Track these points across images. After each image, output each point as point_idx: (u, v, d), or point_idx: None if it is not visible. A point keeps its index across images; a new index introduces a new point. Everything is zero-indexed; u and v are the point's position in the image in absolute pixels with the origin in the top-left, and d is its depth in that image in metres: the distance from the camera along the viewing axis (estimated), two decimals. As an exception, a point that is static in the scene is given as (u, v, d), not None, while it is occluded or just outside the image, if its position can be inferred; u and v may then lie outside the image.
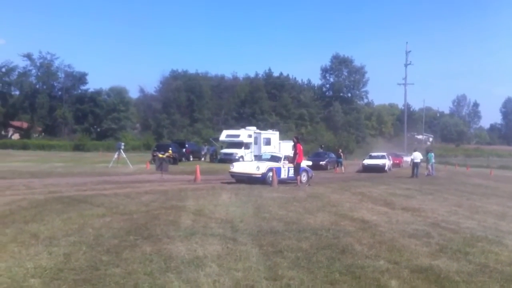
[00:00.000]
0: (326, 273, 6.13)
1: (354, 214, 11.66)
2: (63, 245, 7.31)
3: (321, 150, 43.98)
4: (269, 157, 23.20)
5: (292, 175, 21.17)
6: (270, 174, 20.11)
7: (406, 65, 68.40)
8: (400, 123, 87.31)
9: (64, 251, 6.90)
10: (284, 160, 21.97)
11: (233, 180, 21.23)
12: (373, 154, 41.57)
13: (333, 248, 7.56)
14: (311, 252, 7.28)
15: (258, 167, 20.55)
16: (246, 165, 22.94)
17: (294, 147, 20.98)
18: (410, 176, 30.64)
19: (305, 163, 23.52)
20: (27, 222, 9.24)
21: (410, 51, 68.47)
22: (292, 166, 21.03)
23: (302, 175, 21.37)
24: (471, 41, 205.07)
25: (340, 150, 40.23)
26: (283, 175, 21.33)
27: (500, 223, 11.14)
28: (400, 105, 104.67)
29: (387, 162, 38.07)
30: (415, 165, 31.58)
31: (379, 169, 36.39)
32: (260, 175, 20.22)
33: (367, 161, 37.97)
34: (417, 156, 32.23)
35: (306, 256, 7.02)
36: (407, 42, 69.17)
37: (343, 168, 36.03)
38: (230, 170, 21.75)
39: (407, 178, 29.10)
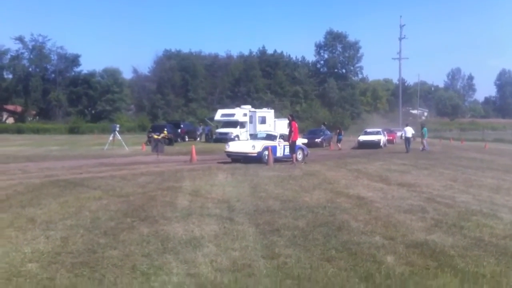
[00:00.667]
0: (323, 250, 6.18)
1: (350, 191, 11.72)
2: (60, 228, 7.34)
3: (323, 127, 43.85)
4: (264, 135, 23.20)
5: (288, 153, 21.18)
6: (266, 152, 20.14)
7: (400, 39, 68.32)
8: (395, 98, 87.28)
9: (61, 235, 6.92)
10: (279, 138, 21.96)
11: (229, 160, 21.26)
12: (368, 130, 41.55)
13: (329, 225, 7.61)
14: (307, 230, 7.33)
15: (253, 146, 20.58)
16: (241, 144, 23.00)
17: (289, 125, 20.93)
18: (406, 152, 30.62)
19: (301, 141, 23.55)
20: (23, 206, 9.25)
21: (404, 25, 68.42)
22: (288, 144, 21.04)
23: (298, 153, 21.42)
24: (465, 13, 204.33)
25: (340, 128, 40.39)
26: (279, 153, 21.36)
27: (495, 197, 11.21)
28: (395, 80, 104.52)
29: (382, 138, 38.11)
30: (407, 139, 32.05)
31: (375, 145, 36.44)
32: (255, 154, 20.24)
33: (362, 137, 37.98)
34: (408, 130, 32.65)
35: (303, 234, 7.06)
36: (401, 16, 69.09)
37: (339, 145, 36.01)
38: (226, 150, 21.76)
39: (403, 153, 29.14)
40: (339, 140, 36.53)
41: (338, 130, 38.53)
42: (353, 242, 6.61)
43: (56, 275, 5.18)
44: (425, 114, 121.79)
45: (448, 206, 9.58)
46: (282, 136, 22.17)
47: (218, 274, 5.22)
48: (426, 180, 14.21)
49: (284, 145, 21.55)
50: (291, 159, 20.31)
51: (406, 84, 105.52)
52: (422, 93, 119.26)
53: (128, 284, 4.96)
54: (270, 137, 22.56)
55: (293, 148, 20.48)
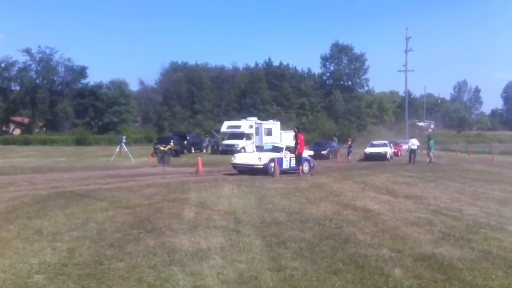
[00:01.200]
0: (330, 263, 6.15)
1: (357, 203, 11.68)
2: (66, 240, 7.34)
3: (335, 139, 43.69)
4: (270, 147, 23.25)
5: (294, 165, 21.18)
6: (272, 164, 20.14)
7: (406, 52, 68.44)
8: (401, 110, 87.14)
9: (68, 246, 6.93)
10: (285, 150, 21.99)
11: (235, 172, 21.27)
12: (375, 142, 41.52)
13: (336, 238, 7.57)
14: (314, 242, 7.30)
15: (259, 158, 20.61)
16: (248, 156, 23.00)
17: (295, 137, 20.91)
18: (408, 162, 31.56)
19: (307, 153, 23.56)
20: (30, 218, 9.27)
21: (410, 37, 68.58)
22: (294, 156, 21.04)
23: (304, 165, 21.43)
24: (471, 26, 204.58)
25: (350, 139, 40.34)
26: (285, 165, 21.38)
27: (503, 209, 11.13)
28: (401, 92, 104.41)
29: (388, 150, 38.06)
30: (412, 151, 32.37)
31: (381, 157, 36.40)
32: (262, 166, 20.27)
33: (369, 150, 37.97)
34: (414, 142, 32.92)
35: (309, 246, 7.03)
36: (407, 28, 69.17)
37: (349, 157, 35.90)
38: (232, 162, 21.78)
39: (410, 166, 29.12)
40: (349, 153, 36.48)
41: (349, 143, 38.54)
42: (360, 254, 6.57)
43: (63, 287, 5.19)
44: (432, 126, 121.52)
45: (455, 219, 9.53)
46: (288, 148, 22.18)
47: (224, 286, 5.21)
48: (433, 193, 14.13)
49: (290, 157, 21.57)
50: (297, 171, 20.29)
51: (412, 96, 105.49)
52: (429, 106, 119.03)
53: (134, 296, 4.95)
54: (276, 149, 22.59)
55: (299, 160, 20.47)
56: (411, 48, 68.77)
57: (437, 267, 6.00)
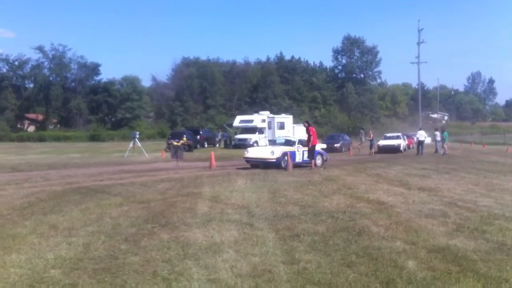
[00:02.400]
0: (343, 255, 6.14)
1: (370, 195, 11.64)
2: (82, 235, 7.41)
3: (362, 132, 43.43)
4: (283, 141, 23.20)
5: (307, 159, 21.19)
6: (285, 158, 20.14)
7: (418, 43, 67.61)
8: (415, 102, 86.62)
9: (83, 241, 6.99)
10: (298, 144, 21.96)
11: (248, 166, 21.29)
12: (388, 134, 41.38)
13: (350, 231, 7.56)
14: (327, 235, 7.30)
15: (272, 152, 20.58)
16: (260, 150, 23.02)
17: (307, 131, 20.85)
18: (416, 153, 32.89)
19: (320, 146, 23.53)
20: (46, 213, 9.37)
21: (422, 29, 67.62)
22: (307, 149, 21.02)
23: (317, 158, 21.40)
24: (485, 16, 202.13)
25: (371, 132, 40.34)
26: (298, 159, 21.37)
27: (518, 200, 11.03)
28: (414, 84, 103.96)
29: (402, 143, 37.89)
30: (420, 143, 33.98)
31: (395, 149, 36.26)
32: (274, 160, 20.23)
33: (382, 142, 37.83)
34: (422, 134, 34.46)
35: (323, 239, 7.03)
36: (419, 20, 68.28)
37: (372, 150, 35.80)
38: (245, 156, 21.81)
39: (423, 157, 28.97)
40: (371, 145, 36.46)
41: (371, 136, 38.54)
42: (373, 247, 6.56)
43: (78, 281, 5.23)
44: (445, 118, 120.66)
45: (470, 211, 9.46)
46: (301, 142, 22.17)
47: (238, 280, 5.22)
48: (447, 185, 14.03)
49: (303, 151, 21.57)
50: (310, 165, 20.26)
51: (425, 88, 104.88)
52: (442, 97, 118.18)
53: (149, 289, 4.99)
54: (289, 142, 22.54)
55: (312, 153, 20.43)
56: (423, 40, 67.94)
57: (451, 259, 5.97)
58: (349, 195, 11.79)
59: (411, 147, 43.71)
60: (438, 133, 35.39)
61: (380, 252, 6.30)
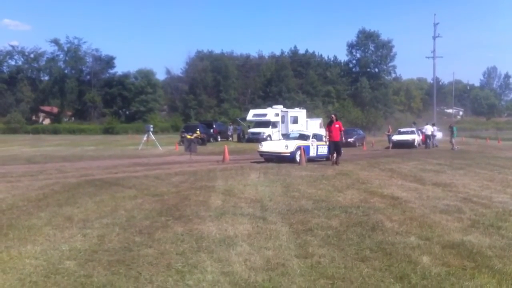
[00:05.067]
0: (357, 250, 6.13)
1: (384, 190, 11.58)
2: (96, 227, 7.47)
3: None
4: (297, 135, 23.15)
5: (321, 153, 21.28)
6: (299, 152, 20.12)
7: (434, 38, 67.25)
8: (429, 97, 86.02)
9: (98, 233, 7.04)
10: (312, 138, 21.92)
11: (261, 160, 21.28)
12: (402, 129, 41.16)
13: (363, 225, 7.54)
14: (341, 229, 7.28)
15: (286, 146, 20.55)
16: (274, 144, 23.02)
17: (330, 123, 20.32)
18: (425, 147, 35.09)
19: None
20: (61, 205, 9.45)
21: (438, 23, 67.33)
22: (322, 143, 20.98)
23: None
24: (501, 11, 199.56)
25: (390, 127, 40.31)
26: (312, 153, 21.33)
27: (534, 197, 10.91)
28: (429, 79, 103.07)
29: (416, 138, 37.68)
30: (427, 137, 35.88)
31: (409, 144, 36.07)
32: (289, 154, 20.20)
33: (396, 137, 37.64)
34: (428, 128, 36.56)
35: (336, 233, 7.02)
36: (435, 14, 68.33)
37: (390, 145, 35.83)
38: (259, 149, 21.80)
39: (437, 153, 28.78)
40: (390, 140, 36.48)
41: (389, 130, 38.56)
42: (387, 242, 6.53)
43: (93, 273, 5.26)
44: (460, 113, 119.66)
45: (485, 207, 9.38)
46: (315, 136, 22.14)
47: (252, 273, 5.23)
48: (462, 180, 13.91)
49: (317, 145, 21.54)
50: (329, 159, 20.13)
51: (440, 83, 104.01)
52: (457, 92, 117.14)
53: (163, 281, 5.01)
54: (303, 137, 22.51)
55: (339, 147, 19.94)
56: (439, 34, 67.60)
57: (466, 255, 5.92)
58: (363, 190, 11.75)
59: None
60: (428, 127, 37.37)
61: (394, 247, 6.27)
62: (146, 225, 7.57)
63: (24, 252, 6.05)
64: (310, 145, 21.36)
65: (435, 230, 7.24)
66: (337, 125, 19.86)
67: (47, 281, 5.04)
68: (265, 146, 21.89)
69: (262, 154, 21.60)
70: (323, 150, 21.72)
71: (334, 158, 19.60)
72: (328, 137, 20.32)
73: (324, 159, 21.33)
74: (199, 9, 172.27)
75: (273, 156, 20.85)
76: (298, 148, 20.36)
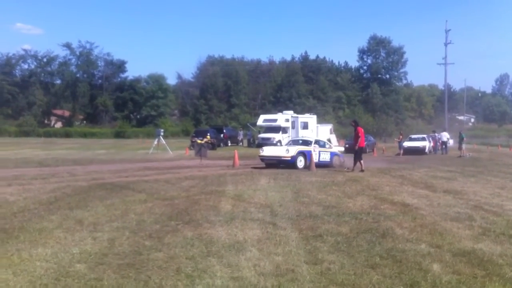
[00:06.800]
0: (367, 257, 6.10)
1: (394, 197, 11.54)
2: (107, 230, 7.50)
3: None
4: (300, 141, 23.18)
5: (323, 159, 21.19)
6: (300, 157, 20.15)
7: (446, 44, 66.83)
8: (441, 104, 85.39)
9: (108, 237, 7.08)
10: (314, 144, 21.83)
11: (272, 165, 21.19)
12: (413, 136, 41.03)
13: (373, 232, 7.51)
14: (351, 236, 7.26)
15: (287, 150, 20.50)
16: (275, 148, 23.05)
17: (355, 131, 20.02)
18: (441, 153, 36.23)
19: (338, 149, 23.46)
20: (71, 208, 9.50)
21: (449, 30, 66.82)
22: (324, 150, 20.88)
23: (334, 159, 21.46)
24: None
25: (401, 134, 40.26)
26: (314, 159, 20.80)
27: (546, 205, 10.81)
28: (440, 85, 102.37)
29: (427, 144, 37.51)
30: (443, 143, 37.08)
31: (420, 151, 35.91)
32: (289, 158, 20.13)
33: (407, 143, 37.51)
34: (444, 135, 37.82)
35: (346, 240, 7.00)
36: (446, 21, 67.52)
37: (401, 151, 35.76)
38: (260, 154, 21.64)
39: (448, 160, 28.62)
40: (400, 147, 36.50)
41: (400, 137, 38.50)
42: (398, 249, 6.50)
43: (103, 276, 5.29)
44: (472, 120, 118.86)
45: (496, 215, 9.30)
46: (318, 142, 22.12)
47: (261, 278, 5.22)
48: (473, 188, 13.82)
49: (319, 151, 21.44)
50: (330, 165, 20.05)
51: (452, 89, 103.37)
52: (469, 99, 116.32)
53: (173, 286, 5.02)
54: (305, 142, 22.42)
55: (359, 154, 19.55)
56: (450, 40, 67.07)
57: (477, 263, 5.88)
58: (373, 196, 11.72)
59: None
60: (444, 134, 38.75)
61: (404, 254, 6.24)
62: (156, 229, 7.60)
63: (35, 255, 6.09)
64: (312, 150, 21.09)
65: (446, 238, 7.20)
66: (358, 132, 19.65)
67: (57, 283, 5.07)
68: (266, 151, 21.67)
69: (263, 158, 21.45)
70: (325, 156, 21.68)
71: (358, 164, 19.26)
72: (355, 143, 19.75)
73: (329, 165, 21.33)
74: (210, 15, 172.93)
75: (274, 161, 20.75)
76: (299, 153, 20.33)
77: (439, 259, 6.03)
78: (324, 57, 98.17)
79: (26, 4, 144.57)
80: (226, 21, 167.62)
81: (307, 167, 19.90)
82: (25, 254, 6.11)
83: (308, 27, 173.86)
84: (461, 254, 6.29)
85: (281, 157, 20.49)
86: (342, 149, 25.18)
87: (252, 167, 20.90)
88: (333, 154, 21.57)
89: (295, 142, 23.13)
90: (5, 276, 5.28)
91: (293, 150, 20.50)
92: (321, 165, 21.02)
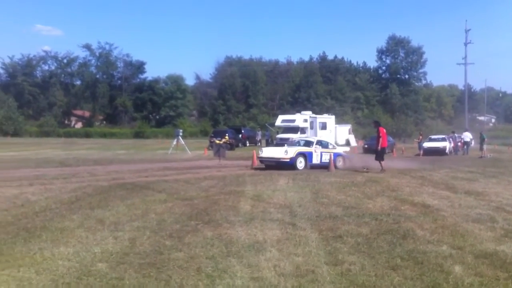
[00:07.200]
0: (387, 258, 6.07)
1: (415, 198, 11.45)
2: (127, 230, 7.57)
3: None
4: (302, 142, 22.46)
5: (326, 161, 20.53)
6: (300, 159, 19.79)
7: (465, 44, 66.05)
8: (461, 104, 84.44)
9: (129, 236, 7.14)
10: (316, 144, 21.16)
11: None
12: (433, 136, 40.65)
13: (394, 233, 7.47)
14: (371, 237, 7.23)
15: (286, 151, 19.98)
16: (274, 149, 22.16)
17: (377, 131, 19.72)
18: (462, 153, 36.28)
19: (343, 149, 23.14)
20: (92, 208, 9.61)
21: (469, 30, 65.99)
22: (327, 152, 20.76)
23: (337, 161, 21.00)
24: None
25: (421, 134, 40.03)
26: (315, 160, 20.55)
27: None
28: (461, 85, 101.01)
29: (447, 145, 37.14)
30: (465, 144, 36.97)
31: (440, 152, 35.55)
32: (288, 160, 19.63)
33: (427, 144, 37.17)
34: (467, 135, 37.47)
35: (367, 241, 6.97)
36: (466, 20, 66.72)
37: (421, 152, 35.54)
38: (259, 155, 21.15)
39: (469, 160, 28.30)
40: (420, 147, 36.26)
41: (420, 137, 38.29)
42: (419, 251, 6.45)
43: (125, 275, 5.34)
44: (493, 120, 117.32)
45: (518, 216, 9.19)
46: (320, 143, 21.62)
47: (281, 279, 5.23)
48: (495, 189, 13.64)
49: (321, 152, 20.84)
50: (332, 167, 19.76)
51: (472, 89, 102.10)
52: (490, 99, 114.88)
53: (193, 285, 5.05)
54: (306, 143, 21.83)
55: (382, 154, 19.34)
56: (470, 40, 66.20)
57: (499, 265, 5.82)
58: (393, 197, 11.64)
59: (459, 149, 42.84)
60: (467, 134, 38.20)
61: (425, 256, 6.19)
62: (176, 229, 7.64)
63: (57, 254, 6.18)
64: (313, 151, 20.64)
65: (468, 239, 7.13)
66: (380, 132, 19.36)
67: (79, 282, 5.14)
68: (265, 152, 21.17)
69: (262, 160, 20.95)
70: (328, 157, 20.82)
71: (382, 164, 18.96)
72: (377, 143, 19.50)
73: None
74: (228, 15, 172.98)
75: (272, 162, 20.19)
76: (299, 154, 19.91)
77: (461, 261, 5.98)
78: (342, 57, 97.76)
79: (46, 6, 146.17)
80: (244, 22, 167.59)
81: (307, 168, 19.62)
82: (48, 253, 6.20)
83: (326, 27, 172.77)
84: (483, 256, 6.22)
85: (279, 158, 19.96)
86: (348, 149, 24.83)
87: (252, 168, 20.58)
88: (336, 155, 21.07)
89: (295, 143, 22.68)
90: (28, 274, 5.35)
91: (292, 151, 20.06)
92: (323, 166, 20.41)
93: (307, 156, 20.06)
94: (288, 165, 19.56)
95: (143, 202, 10.40)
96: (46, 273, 5.41)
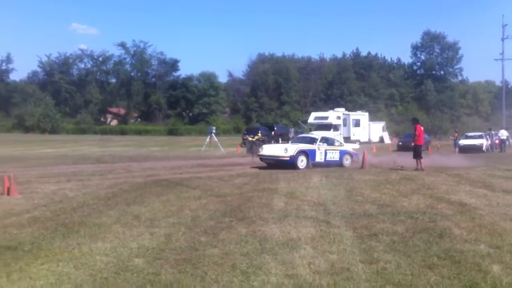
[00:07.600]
0: (424, 257, 6.00)
1: (451, 196, 11.26)
2: (163, 226, 7.67)
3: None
4: (307, 139, 21.57)
5: (331, 159, 20.10)
6: (302, 157, 19.13)
7: (503, 39, 64.42)
8: (498, 100, 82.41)
9: (165, 232, 7.24)
10: (320, 142, 20.37)
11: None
12: (469, 134, 39.89)
13: (430, 232, 7.37)
14: (407, 235, 7.15)
15: (286, 149, 19.26)
16: (274, 147, 21.38)
17: (414, 129, 19.23)
18: (499, 151, 35.74)
19: (351, 146, 22.65)
20: (129, 204, 9.77)
21: (506, 25, 64.35)
22: (332, 149, 20.39)
23: (345, 159, 20.54)
24: None
25: (457, 132, 39.50)
26: (318, 158, 19.84)
27: None
28: (498, 81, 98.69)
29: (484, 142, 36.40)
30: (502, 141, 36.69)
31: (476, 149, 34.86)
32: (288, 158, 18.93)
33: (463, 141, 36.52)
34: (504, 133, 37.12)
35: (402, 239, 6.90)
36: (503, 15, 65.60)
37: (457, 149, 35.06)
38: (259, 153, 20.59)
39: (507, 158, 27.66)
40: (456, 144, 35.91)
41: (455, 135, 37.79)
42: (456, 250, 6.36)
43: (161, 271, 5.42)
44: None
45: (560, 216, 8.95)
46: (325, 140, 20.92)
47: (316, 277, 5.23)
48: (535, 187, 13.32)
49: (325, 150, 20.10)
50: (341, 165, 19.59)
51: (510, 86, 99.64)
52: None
53: (228, 282, 5.09)
54: (310, 140, 20.98)
55: (418, 152, 18.81)
56: (507, 35, 64.56)
57: (539, 265, 5.69)
58: (429, 195, 11.47)
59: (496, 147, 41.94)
60: (503, 132, 37.65)
61: (463, 255, 6.10)
62: (211, 225, 7.71)
63: (95, 249, 6.30)
64: (317, 149, 19.89)
65: (506, 239, 6.99)
66: (416, 130, 18.94)
67: (117, 277, 5.23)
68: (266, 150, 20.36)
69: (262, 158, 20.32)
70: (334, 155, 20.41)
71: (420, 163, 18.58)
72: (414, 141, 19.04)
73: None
74: (261, 12, 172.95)
75: (272, 160, 19.54)
76: (300, 152, 19.13)
77: (499, 260, 5.87)
78: (376, 54, 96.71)
79: (82, 5, 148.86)
80: (276, 19, 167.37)
81: (309, 167, 19.05)
82: (86, 248, 6.33)
83: (359, 24, 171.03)
84: (522, 255, 6.09)
85: (279, 156, 19.25)
86: (357, 146, 24.29)
87: (250, 167, 20.11)
88: (343, 153, 20.49)
89: (298, 140, 21.96)
90: (67, 269, 5.48)
91: (293, 149, 19.28)
92: (328, 164, 19.88)
93: (309, 154, 19.34)
94: (288, 164, 18.92)
95: (177, 198, 10.53)
96: (84, 268, 5.53)
